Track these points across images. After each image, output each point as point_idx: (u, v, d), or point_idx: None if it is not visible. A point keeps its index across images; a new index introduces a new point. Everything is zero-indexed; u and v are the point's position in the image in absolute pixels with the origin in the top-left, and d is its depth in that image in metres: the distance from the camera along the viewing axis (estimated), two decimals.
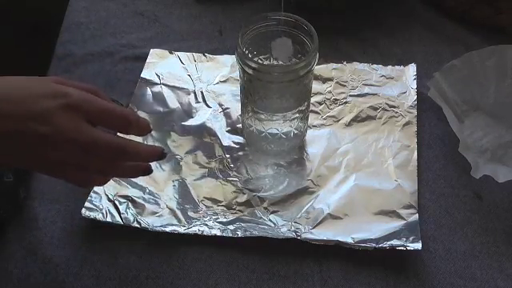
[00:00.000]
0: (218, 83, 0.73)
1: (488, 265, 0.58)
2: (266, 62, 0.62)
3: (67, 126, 0.46)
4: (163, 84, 0.73)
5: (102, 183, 0.53)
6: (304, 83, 0.60)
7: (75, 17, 0.82)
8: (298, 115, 0.62)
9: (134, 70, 0.74)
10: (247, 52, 0.59)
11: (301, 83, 0.59)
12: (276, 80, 0.58)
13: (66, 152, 0.46)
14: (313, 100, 0.69)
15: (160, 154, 0.51)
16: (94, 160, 0.48)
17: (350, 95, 0.71)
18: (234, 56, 0.75)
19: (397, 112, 0.69)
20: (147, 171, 0.52)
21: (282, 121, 0.62)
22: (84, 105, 0.47)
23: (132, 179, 0.63)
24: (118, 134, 0.51)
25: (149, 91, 0.72)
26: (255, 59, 0.60)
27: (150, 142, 0.66)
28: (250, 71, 0.57)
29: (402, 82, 0.72)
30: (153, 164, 0.64)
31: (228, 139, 0.67)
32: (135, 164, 0.51)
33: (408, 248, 0.56)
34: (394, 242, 0.57)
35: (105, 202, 0.61)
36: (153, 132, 0.67)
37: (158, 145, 0.64)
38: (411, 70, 0.73)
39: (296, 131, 0.64)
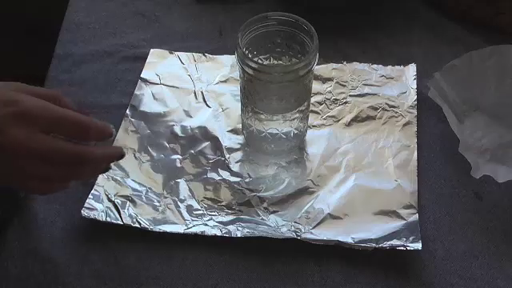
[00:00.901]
0: (218, 83, 0.73)
1: (488, 265, 0.58)
2: (265, 62, 0.62)
3: (18, 135, 0.44)
4: (163, 84, 0.73)
5: (63, 189, 0.51)
6: (304, 83, 0.60)
7: (75, 17, 0.82)
8: (297, 115, 0.62)
9: (133, 70, 0.74)
10: (247, 52, 0.59)
11: (301, 83, 0.59)
12: (276, 80, 0.58)
13: (20, 163, 0.45)
14: (313, 100, 0.69)
15: (118, 156, 0.51)
16: (51, 169, 0.47)
17: (350, 95, 0.71)
18: (234, 56, 0.75)
19: (397, 112, 0.69)
20: (106, 170, 0.52)
21: (282, 121, 0.62)
22: (35, 112, 0.45)
23: (132, 179, 0.63)
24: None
25: (149, 91, 0.72)
26: (255, 59, 0.60)
27: (149, 141, 0.67)
28: (250, 71, 0.57)
29: (401, 82, 0.72)
30: (153, 164, 0.64)
31: (228, 139, 0.67)
32: (94, 166, 0.50)
33: (408, 248, 0.56)
34: (394, 242, 0.57)
35: (105, 202, 0.61)
36: (152, 132, 0.68)
37: (118, 145, 0.61)
38: (411, 70, 0.73)
39: (296, 131, 0.64)
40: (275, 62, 0.62)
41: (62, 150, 0.46)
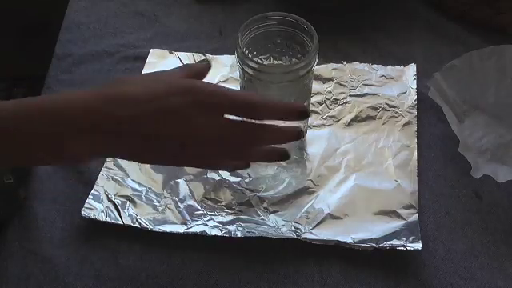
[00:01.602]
0: (218, 83, 0.73)
1: (488, 265, 0.58)
2: (265, 62, 0.62)
3: (201, 123, 0.47)
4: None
5: (243, 167, 0.55)
6: (304, 83, 0.60)
7: (75, 17, 0.82)
8: None
9: (134, 70, 0.74)
10: (247, 52, 0.59)
11: (301, 83, 0.59)
12: (276, 80, 0.58)
13: (203, 146, 0.48)
14: (313, 100, 0.69)
15: (297, 134, 0.50)
16: (232, 149, 0.50)
17: (350, 95, 0.71)
18: (233, 56, 0.75)
19: (397, 112, 0.69)
20: (285, 155, 0.51)
21: (282, 121, 0.62)
22: (211, 99, 0.47)
23: (132, 179, 0.63)
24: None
25: None
26: (255, 59, 0.60)
27: None
28: (250, 71, 0.57)
29: (402, 82, 0.72)
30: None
31: None
32: (271, 148, 0.51)
33: (408, 248, 0.56)
34: (394, 242, 0.57)
35: (105, 202, 0.61)
36: None
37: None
38: (411, 70, 0.73)
39: None
40: (275, 61, 0.62)
41: (244, 129, 0.49)
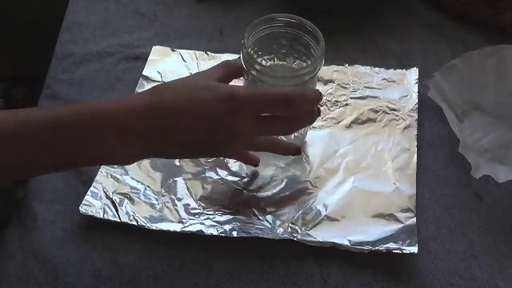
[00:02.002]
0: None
1: (488, 265, 0.58)
2: (269, 63, 0.62)
3: (242, 127, 0.52)
4: (165, 82, 0.73)
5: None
6: (308, 87, 0.59)
7: (75, 17, 0.82)
8: None
9: (134, 70, 0.74)
10: (252, 53, 0.59)
11: (305, 87, 0.59)
12: (280, 83, 0.58)
13: (242, 141, 0.55)
14: None
15: (318, 97, 0.56)
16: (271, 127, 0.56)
17: (351, 97, 0.71)
18: (235, 55, 0.75)
19: (397, 115, 0.69)
20: (298, 152, 0.61)
21: None
22: (249, 104, 0.52)
23: (131, 176, 0.63)
24: None
25: None
26: (259, 59, 0.60)
27: None
28: (254, 73, 0.57)
29: (403, 86, 0.72)
30: (152, 162, 0.64)
31: None
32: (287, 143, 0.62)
33: (404, 251, 0.56)
34: (391, 245, 0.57)
35: (103, 199, 0.61)
36: None
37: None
38: (413, 73, 0.72)
39: (296, 133, 0.64)
40: (279, 62, 0.62)
41: (279, 123, 0.55)
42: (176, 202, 0.61)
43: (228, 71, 0.57)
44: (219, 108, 0.51)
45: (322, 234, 0.58)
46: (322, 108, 0.69)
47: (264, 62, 0.61)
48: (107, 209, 0.60)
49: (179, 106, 0.51)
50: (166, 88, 0.53)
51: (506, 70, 0.68)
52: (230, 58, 0.75)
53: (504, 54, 0.68)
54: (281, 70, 0.61)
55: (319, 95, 0.56)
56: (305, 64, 0.60)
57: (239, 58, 0.58)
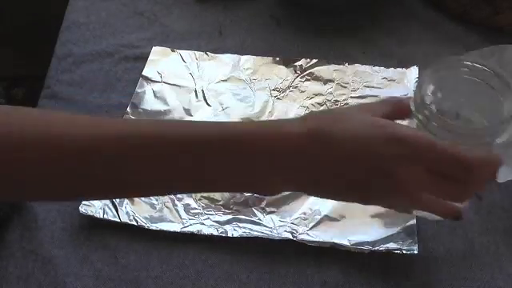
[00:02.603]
0: (219, 82, 0.73)
1: (488, 265, 0.58)
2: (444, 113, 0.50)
3: (405, 179, 0.44)
4: (164, 82, 0.73)
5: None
6: (489, 151, 0.50)
7: (75, 17, 0.82)
8: None
9: (134, 70, 0.74)
10: (426, 98, 0.49)
11: (484, 149, 0.49)
12: (452, 139, 0.48)
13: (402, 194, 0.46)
14: (313, 101, 0.69)
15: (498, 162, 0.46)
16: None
17: (351, 97, 0.71)
18: (234, 55, 0.75)
19: None
20: (459, 216, 0.48)
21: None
22: (423, 155, 0.44)
23: None
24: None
25: (150, 89, 0.72)
26: (432, 106, 0.49)
27: None
28: (421, 118, 0.49)
29: (403, 85, 0.72)
30: None
31: None
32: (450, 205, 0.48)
33: (404, 252, 0.56)
34: (391, 246, 0.57)
35: None
36: None
37: None
38: (413, 72, 0.72)
39: None
40: (458, 112, 0.53)
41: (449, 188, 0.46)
42: (176, 202, 0.61)
43: (395, 109, 0.49)
44: (386, 150, 0.44)
45: (322, 234, 0.58)
46: (322, 108, 0.70)
47: (436, 110, 0.50)
48: (107, 209, 0.60)
49: (344, 140, 0.44)
50: (329, 118, 0.46)
51: (506, 69, 0.68)
52: (231, 58, 0.75)
53: (502, 54, 0.68)
54: (458, 124, 0.50)
55: (499, 161, 0.46)
56: (485, 122, 0.50)
57: (410, 96, 0.51)
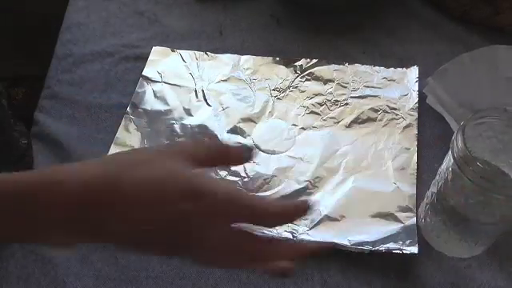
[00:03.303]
0: (219, 82, 0.73)
1: (488, 265, 0.58)
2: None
3: (209, 234, 0.40)
4: (164, 82, 0.73)
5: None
6: None
7: (75, 17, 0.82)
8: None
9: (134, 70, 0.74)
10: (470, 149, 0.47)
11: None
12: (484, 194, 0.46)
13: (220, 257, 0.43)
14: (313, 101, 0.69)
15: (311, 251, 0.45)
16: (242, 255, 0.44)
17: (351, 97, 0.71)
18: (234, 55, 0.75)
19: (397, 114, 0.69)
20: (290, 273, 0.43)
21: None
22: (225, 208, 0.41)
23: None
24: None
25: (150, 89, 0.72)
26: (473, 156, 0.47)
27: (149, 139, 0.67)
28: (468, 174, 0.47)
29: (403, 85, 0.72)
30: None
31: (227, 138, 0.67)
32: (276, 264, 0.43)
33: (404, 251, 0.56)
34: (391, 245, 0.57)
35: None
36: (152, 130, 0.68)
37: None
38: (413, 72, 0.72)
39: None
40: (494, 164, 0.53)
41: (253, 245, 0.43)
42: None
43: (221, 155, 0.44)
44: (185, 208, 0.39)
45: (322, 234, 0.58)
46: (321, 107, 0.70)
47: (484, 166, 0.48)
48: None
49: (132, 190, 0.39)
50: (123, 163, 0.41)
51: (498, 70, 0.68)
52: (231, 58, 0.75)
53: (496, 55, 0.68)
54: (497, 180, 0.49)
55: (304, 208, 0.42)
56: None
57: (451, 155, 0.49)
